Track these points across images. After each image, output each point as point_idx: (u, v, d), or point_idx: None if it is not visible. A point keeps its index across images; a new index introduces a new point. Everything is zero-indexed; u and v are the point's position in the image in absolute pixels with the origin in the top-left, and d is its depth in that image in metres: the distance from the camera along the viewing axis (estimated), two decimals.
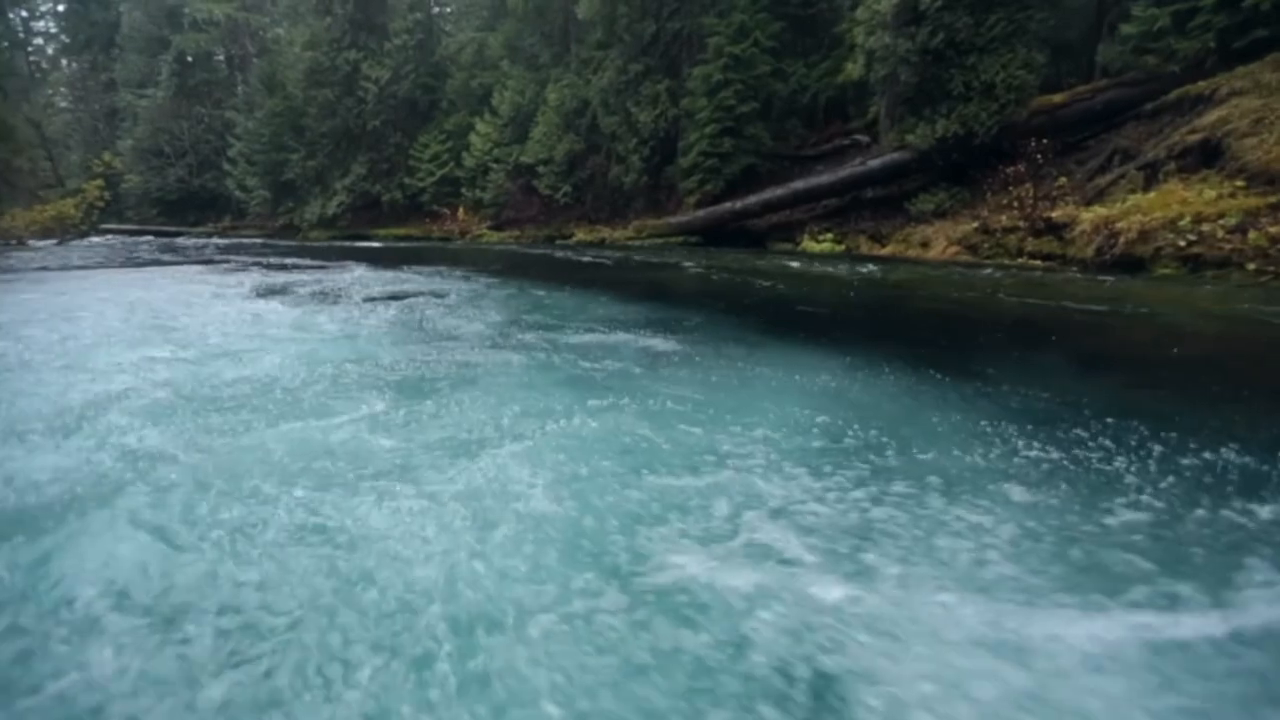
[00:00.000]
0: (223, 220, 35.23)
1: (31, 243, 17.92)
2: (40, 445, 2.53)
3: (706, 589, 1.63)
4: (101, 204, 24.26)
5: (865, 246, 14.61)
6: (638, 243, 18.60)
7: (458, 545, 1.80)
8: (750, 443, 2.53)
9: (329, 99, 28.80)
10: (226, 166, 33.38)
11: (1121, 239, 8.75)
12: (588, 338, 4.55)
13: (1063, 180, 11.79)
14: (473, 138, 25.88)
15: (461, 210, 26.72)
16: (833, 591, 1.61)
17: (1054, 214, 10.69)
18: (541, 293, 7.13)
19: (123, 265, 11.53)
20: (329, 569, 1.71)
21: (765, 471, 2.27)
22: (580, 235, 21.19)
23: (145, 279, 8.84)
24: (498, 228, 24.76)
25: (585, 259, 13.17)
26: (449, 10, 34.06)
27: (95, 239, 21.50)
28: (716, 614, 1.54)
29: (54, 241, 18.71)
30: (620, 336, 4.57)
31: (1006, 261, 10.87)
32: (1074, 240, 9.92)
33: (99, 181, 24.34)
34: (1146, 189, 9.89)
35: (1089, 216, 9.81)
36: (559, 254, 15.12)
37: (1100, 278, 8.22)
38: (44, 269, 10.19)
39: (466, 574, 1.68)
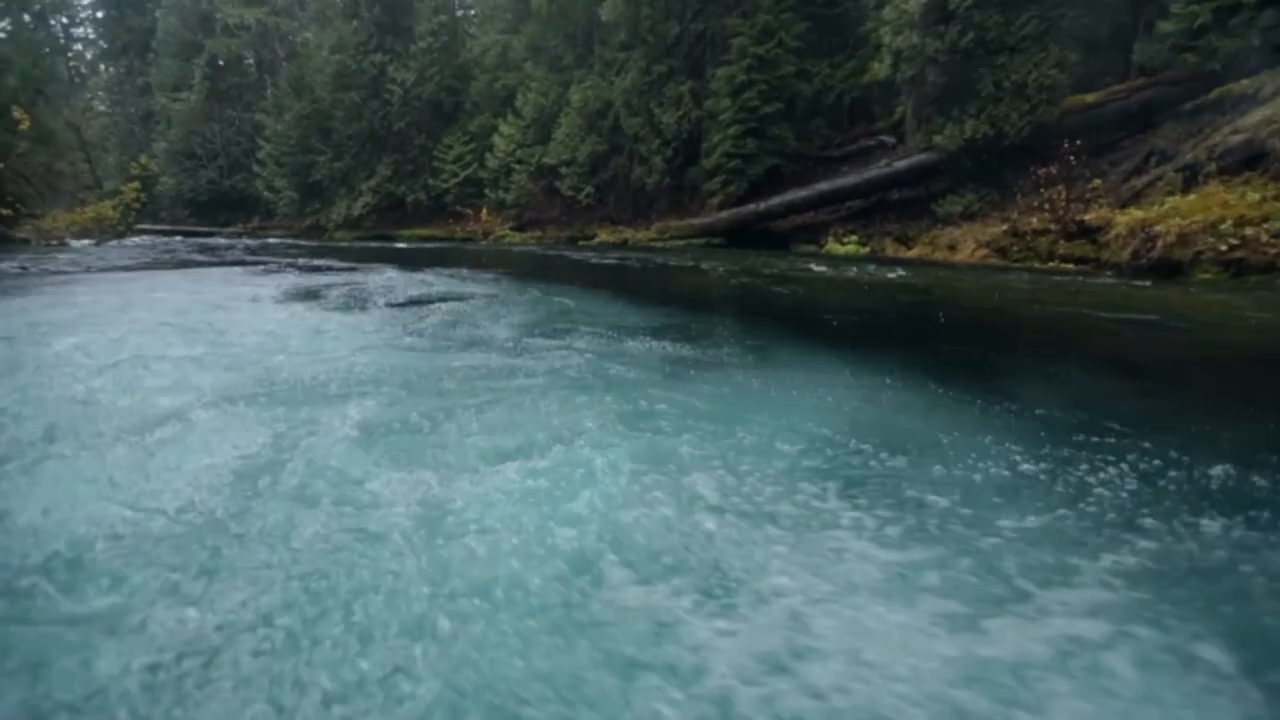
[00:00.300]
0: (252, 220, 36.00)
1: (71, 243, 18.51)
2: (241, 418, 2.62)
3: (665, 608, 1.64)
4: (139, 205, 24.97)
5: (891, 249, 14.44)
6: (660, 244, 18.60)
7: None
8: (767, 456, 2.53)
9: (355, 101, 29.27)
10: (255, 168, 34.10)
11: (1159, 243, 8.54)
12: (615, 345, 4.57)
13: (1096, 182, 11.53)
14: (496, 139, 26.10)
15: (485, 211, 26.97)
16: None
17: (1087, 216, 10.47)
18: (569, 300, 7.18)
19: (163, 266, 11.85)
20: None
21: (771, 487, 2.27)
22: (603, 236, 21.24)
23: (189, 280, 9.08)
24: (520, 228, 24.94)
25: (609, 261, 13.20)
26: (473, 13, 34.39)
27: (131, 239, 22.14)
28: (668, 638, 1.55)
29: (92, 241, 19.30)
30: (642, 345, 4.58)
31: (1037, 265, 10.67)
32: (1108, 244, 9.70)
33: (136, 184, 25.03)
34: (1185, 191, 9.63)
35: (1124, 219, 9.59)
36: (582, 255, 15.19)
37: (1136, 283, 8.02)
38: (88, 269, 10.53)
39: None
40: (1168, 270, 8.32)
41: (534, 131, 24.94)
